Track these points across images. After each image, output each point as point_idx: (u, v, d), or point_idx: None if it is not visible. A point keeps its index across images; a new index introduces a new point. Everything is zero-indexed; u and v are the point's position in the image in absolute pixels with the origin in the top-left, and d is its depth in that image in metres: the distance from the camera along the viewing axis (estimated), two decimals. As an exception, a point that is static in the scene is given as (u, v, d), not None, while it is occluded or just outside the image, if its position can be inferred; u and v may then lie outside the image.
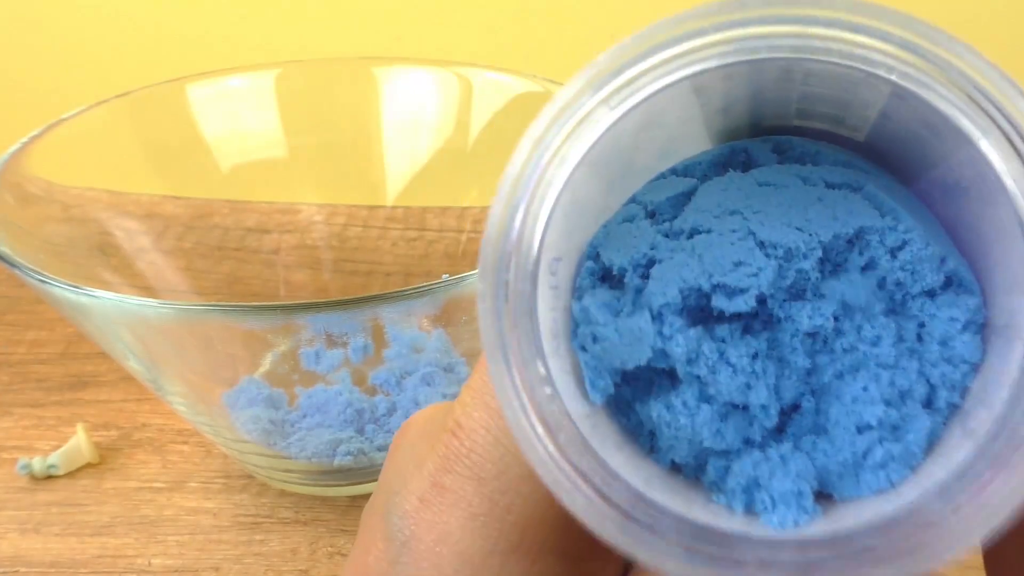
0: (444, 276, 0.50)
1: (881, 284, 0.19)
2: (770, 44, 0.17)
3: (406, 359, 0.42)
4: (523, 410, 0.17)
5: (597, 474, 0.17)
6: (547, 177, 0.18)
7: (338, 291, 0.52)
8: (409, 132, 0.52)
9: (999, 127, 0.16)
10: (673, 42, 0.18)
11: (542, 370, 0.18)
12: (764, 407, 0.18)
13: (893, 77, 0.16)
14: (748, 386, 0.18)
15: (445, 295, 0.36)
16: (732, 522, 0.18)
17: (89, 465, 0.45)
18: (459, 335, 0.41)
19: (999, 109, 0.16)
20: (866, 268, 0.19)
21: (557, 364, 0.19)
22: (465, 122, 0.51)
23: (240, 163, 0.51)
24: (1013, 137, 0.16)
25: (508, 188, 0.18)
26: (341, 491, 0.43)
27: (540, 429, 0.17)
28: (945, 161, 0.17)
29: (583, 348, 0.19)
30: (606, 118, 0.18)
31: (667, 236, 0.19)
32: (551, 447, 0.17)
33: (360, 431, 0.41)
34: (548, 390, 0.18)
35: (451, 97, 0.51)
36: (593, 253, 0.20)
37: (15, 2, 0.68)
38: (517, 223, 0.18)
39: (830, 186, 0.19)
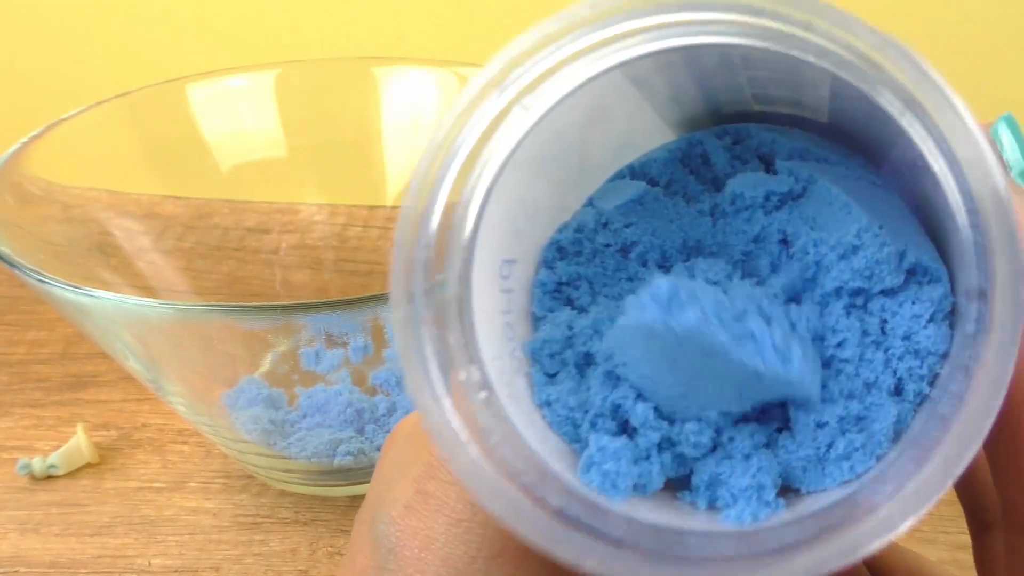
0: (444, 276, 0.50)
1: (839, 292, 0.18)
2: (685, 32, 0.16)
3: (406, 359, 0.42)
4: (444, 416, 0.16)
5: (532, 476, 0.17)
6: (470, 180, 0.17)
7: (338, 291, 0.52)
8: (409, 132, 0.52)
9: (912, 109, 0.16)
10: (579, 35, 0.17)
11: (476, 375, 0.17)
12: (731, 439, 0.18)
13: (825, 64, 0.16)
14: (716, 433, 0.18)
15: (445, 295, 0.36)
16: (695, 520, 0.18)
17: (89, 465, 0.45)
18: (459, 335, 0.41)
19: (910, 93, 0.16)
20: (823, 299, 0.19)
21: (509, 366, 0.18)
22: (465, 122, 0.51)
23: (240, 163, 0.51)
24: (926, 121, 0.16)
25: (415, 191, 0.17)
26: (341, 491, 0.43)
27: (464, 436, 0.17)
28: (900, 136, 0.17)
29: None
30: (525, 116, 0.17)
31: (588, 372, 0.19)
32: (476, 452, 0.16)
33: (360, 431, 0.41)
34: (483, 394, 0.17)
35: (451, 97, 0.51)
36: (547, 262, 0.20)
37: (15, 2, 0.68)
38: (432, 228, 0.17)
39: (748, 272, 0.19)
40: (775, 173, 0.20)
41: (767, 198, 0.19)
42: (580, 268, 0.20)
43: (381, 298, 0.35)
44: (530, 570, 0.21)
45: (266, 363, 0.42)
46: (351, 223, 0.54)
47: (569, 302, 0.20)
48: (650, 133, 0.21)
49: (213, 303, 0.48)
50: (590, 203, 0.20)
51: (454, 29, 0.66)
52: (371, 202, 0.53)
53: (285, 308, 0.37)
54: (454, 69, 0.51)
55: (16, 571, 0.40)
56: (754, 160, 0.20)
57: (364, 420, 0.41)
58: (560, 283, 0.20)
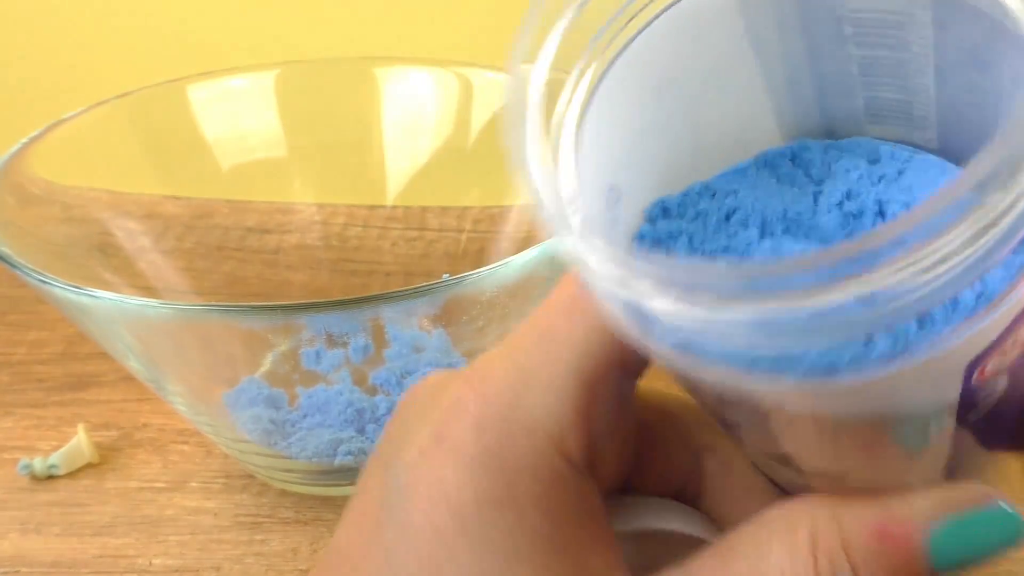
0: (444, 276, 0.50)
1: None
2: None
3: (406, 359, 0.42)
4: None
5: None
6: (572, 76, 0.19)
7: (338, 291, 0.52)
8: (409, 132, 0.52)
9: None
10: None
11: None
12: None
13: None
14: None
15: (445, 295, 0.36)
16: None
17: (90, 465, 0.45)
18: (459, 335, 0.41)
19: None
20: None
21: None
22: (465, 122, 0.51)
23: (240, 163, 0.51)
24: None
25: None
26: (342, 491, 0.43)
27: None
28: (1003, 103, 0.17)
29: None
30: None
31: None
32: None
33: (361, 431, 0.41)
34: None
35: (451, 97, 0.51)
36: (650, 217, 0.21)
37: (15, 2, 0.68)
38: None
39: None
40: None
41: (864, 177, 0.20)
42: (682, 224, 0.20)
43: (381, 298, 0.35)
44: (534, 521, 0.21)
45: (266, 363, 0.43)
46: (351, 223, 0.54)
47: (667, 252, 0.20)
48: (763, 134, 0.21)
49: (213, 303, 0.48)
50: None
51: (454, 29, 0.66)
52: (371, 202, 0.53)
53: (285, 308, 0.37)
54: (454, 69, 0.51)
55: (17, 571, 0.40)
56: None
57: (365, 420, 0.41)
58: (659, 239, 0.20)
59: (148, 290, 0.46)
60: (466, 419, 0.21)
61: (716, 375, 0.17)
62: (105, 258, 0.46)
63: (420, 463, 0.22)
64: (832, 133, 0.22)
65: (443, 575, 0.21)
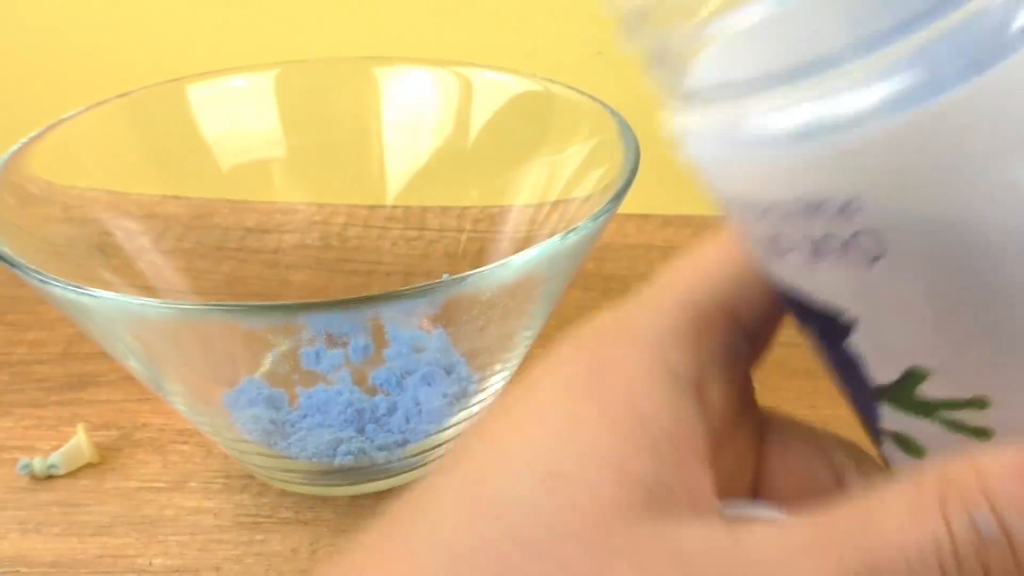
0: (444, 276, 0.50)
1: None
2: None
3: (406, 359, 0.42)
4: None
5: None
6: None
7: (338, 291, 0.52)
8: (409, 132, 0.52)
9: None
10: None
11: None
12: None
13: None
14: None
15: (445, 295, 0.36)
16: None
17: (90, 465, 0.45)
18: (459, 335, 0.41)
19: None
20: None
21: None
22: (465, 122, 0.51)
23: (240, 163, 0.51)
24: None
25: None
26: (341, 491, 0.43)
27: None
28: None
29: None
30: None
31: None
32: None
33: (360, 431, 0.41)
34: None
35: (451, 97, 0.51)
36: None
37: (15, 3, 0.68)
38: None
39: None
40: None
41: None
42: None
43: (381, 298, 0.35)
44: (624, 424, 0.19)
45: (266, 363, 0.43)
46: (351, 223, 0.54)
47: None
48: None
49: (213, 303, 0.48)
50: None
51: (454, 29, 0.66)
52: (371, 202, 0.53)
53: (285, 308, 0.37)
54: (454, 69, 0.51)
55: (17, 571, 0.40)
56: None
57: (364, 420, 0.41)
58: None
59: (148, 290, 0.46)
60: (569, 345, 0.20)
61: (831, 152, 0.16)
62: (105, 258, 0.46)
63: (515, 393, 0.20)
64: None
65: (510, 463, 0.18)
